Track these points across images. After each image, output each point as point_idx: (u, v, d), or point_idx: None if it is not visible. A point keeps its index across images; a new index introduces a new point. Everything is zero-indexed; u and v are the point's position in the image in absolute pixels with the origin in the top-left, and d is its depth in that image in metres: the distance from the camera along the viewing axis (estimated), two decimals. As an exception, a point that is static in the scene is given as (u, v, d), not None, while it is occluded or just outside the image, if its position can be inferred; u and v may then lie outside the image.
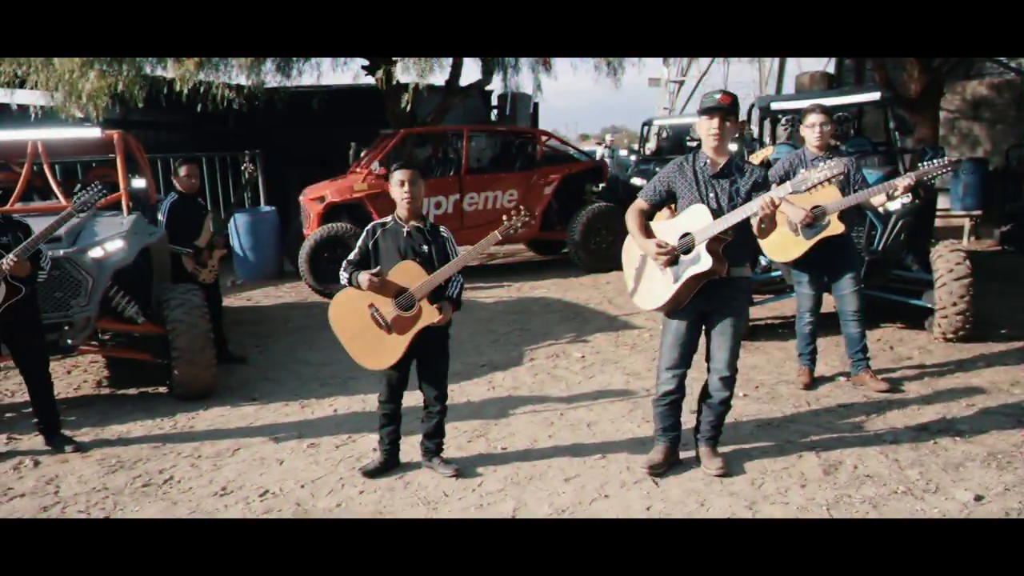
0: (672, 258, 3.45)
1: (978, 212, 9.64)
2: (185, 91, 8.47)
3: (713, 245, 3.39)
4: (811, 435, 4.09)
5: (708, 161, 3.49)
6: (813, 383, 4.92)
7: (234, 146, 10.81)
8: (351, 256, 3.67)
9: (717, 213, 3.40)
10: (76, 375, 5.76)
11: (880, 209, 5.23)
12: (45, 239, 4.03)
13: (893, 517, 3.19)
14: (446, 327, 3.73)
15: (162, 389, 5.24)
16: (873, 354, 5.21)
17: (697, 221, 3.43)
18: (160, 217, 5.84)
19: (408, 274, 3.56)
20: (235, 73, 8.89)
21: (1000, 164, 9.97)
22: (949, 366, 5.12)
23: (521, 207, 3.98)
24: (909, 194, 5.23)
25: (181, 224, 5.79)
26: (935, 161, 4.43)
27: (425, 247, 3.64)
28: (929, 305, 5.61)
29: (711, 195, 3.45)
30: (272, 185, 11.40)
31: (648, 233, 3.55)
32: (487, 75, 12.21)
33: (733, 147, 11.45)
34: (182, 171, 5.83)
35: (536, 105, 13.96)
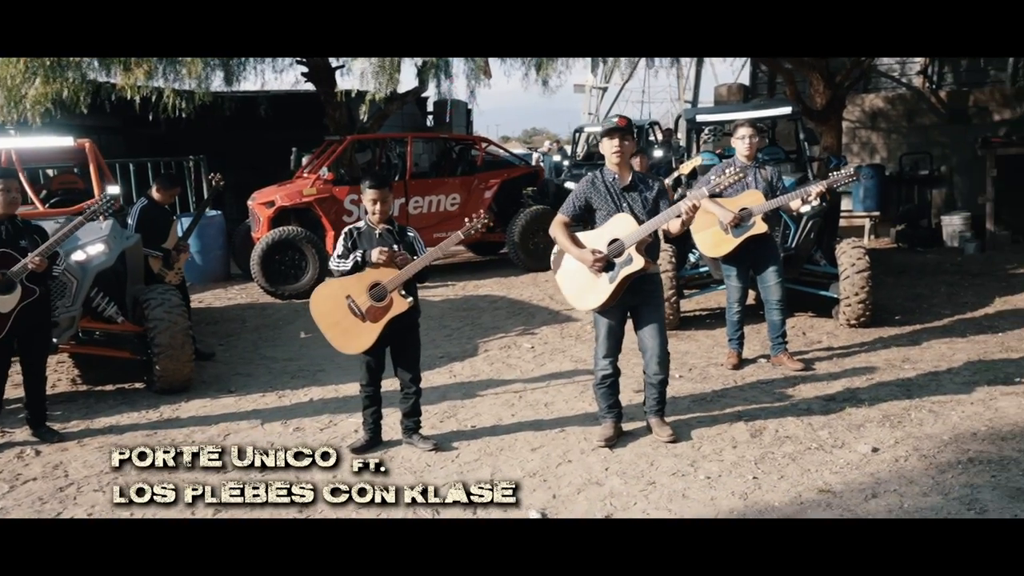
0: (606, 263, 4.03)
1: (876, 213, 10.66)
2: (137, 99, 8.63)
3: (639, 247, 4.00)
4: (739, 407, 4.74)
5: (616, 176, 4.10)
6: (740, 364, 5.59)
7: (167, 151, 10.95)
8: (339, 252, 4.14)
9: (636, 220, 4.01)
10: (48, 374, 5.95)
11: (793, 212, 5.96)
12: (62, 242, 4.35)
13: (809, 468, 3.84)
14: (416, 317, 4.22)
15: (139, 384, 5.52)
16: (789, 338, 5.93)
17: (624, 228, 4.02)
18: (130, 221, 6.10)
19: (381, 270, 4.05)
20: (182, 79, 9.06)
21: (895, 170, 11.03)
22: (853, 348, 5.88)
23: (482, 211, 4.48)
24: (819, 198, 6.01)
25: (150, 228, 6.08)
26: (842, 171, 5.16)
27: (395, 246, 4.13)
28: (835, 296, 6.38)
29: (624, 205, 4.06)
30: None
31: (578, 243, 4.11)
32: (423, 82, 12.67)
33: (659, 153, 12.22)
34: (165, 194, 6.20)
35: (470, 111, 14.50)
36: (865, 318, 6.25)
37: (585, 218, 4.20)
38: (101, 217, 4.67)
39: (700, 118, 7.39)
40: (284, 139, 11.89)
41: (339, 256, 4.14)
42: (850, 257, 6.20)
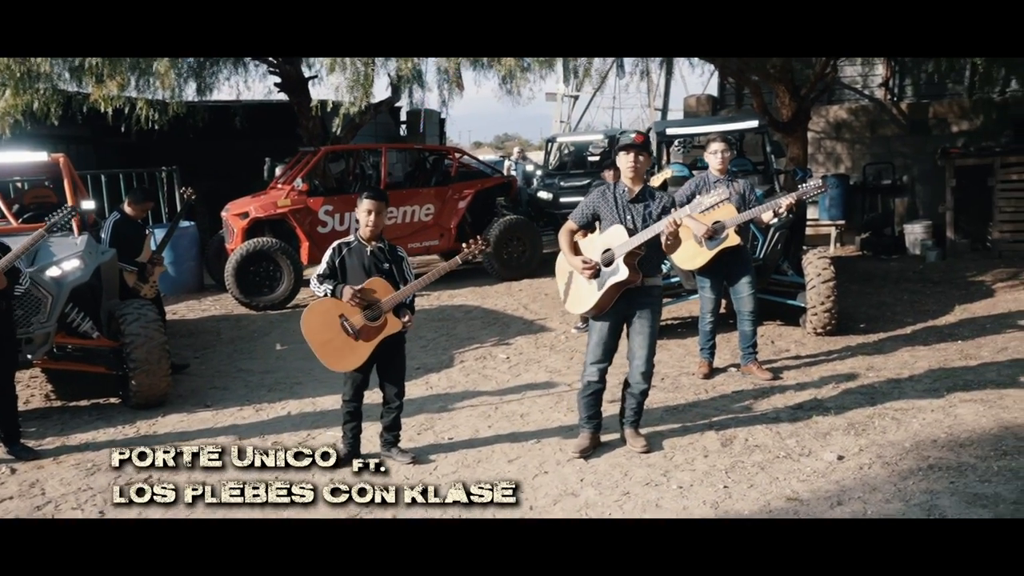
0: (596, 270, 4.14)
1: (842, 222, 10.92)
2: (110, 111, 8.59)
3: (629, 259, 4.10)
4: (710, 416, 4.86)
5: (627, 189, 4.21)
6: (711, 374, 5.72)
7: (138, 161, 10.88)
8: (321, 270, 4.16)
9: (633, 232, 4.12)
10: (21, 390, 5.90)
11: (763, 224, 6.12)
12: (21, 256, 4.33)
13: (777, 477, 3.97)
14: (403, 333, 4.28)
15: (114, 400, 5.52)
16: (759, 348, 6.08)
17: (616, 239, 4.14)
18: (103, 235, 6.09)
19: (379, 288, 4.09)
20: (156, 91, 9.04)
21: (859, 179, 11.31)
22: (819, 356, 6.05)
23: (479, 238, 4.47)
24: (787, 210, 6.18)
25: (124, 242, 6.08)
26: (811, 183, 5.31)
27: (387, 265, 4.18)
28: (802, 305, 6.55)
29: (628, 217, 4.17)
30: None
31: (576, 251, 4.25)
32: (396, 92, 12.72)
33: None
34: (137, 208, 6.20)
35: (443, 121, 14.56)
36: (831, 327, 6.43)
37: (594, 226, 4.35)
38: (67, 229, 4.64)
39: (671, 131, 7.55)
40: (257, 149, 11.86)
41: (321, 274, 4.16)
42: (816, 267, 6.38)
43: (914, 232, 10.32)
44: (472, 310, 8.38)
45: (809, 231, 10.99)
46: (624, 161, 4.21)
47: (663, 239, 4.08)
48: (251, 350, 7.00)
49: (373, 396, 4.51)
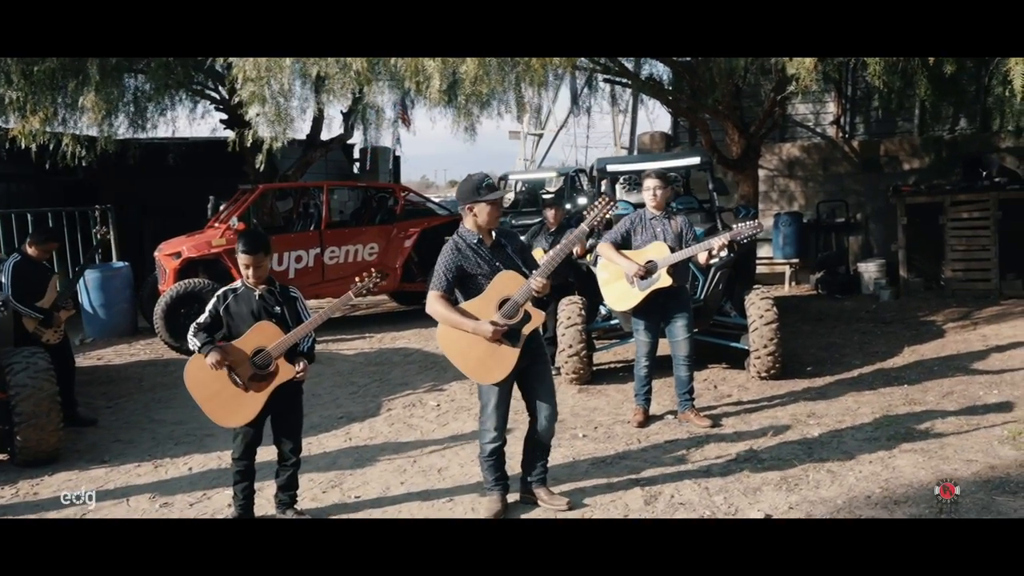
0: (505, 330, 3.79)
1: (796, 260, 10.77)
2: (33, 148, 8.23)
3: (531, 300, 3.80)
4: (640, 470, 4.55)
5: (480, 239, 3.87)
6: (647, 421, 5.42)
7: (85, 199, 10.47)
8: (201, 319, 3.83)
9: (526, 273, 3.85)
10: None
11: (701, 264, 5.88)
12: None
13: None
14: (300, 382, 3.94)
15: (2, 456, 5.10)
16: (699, 392, 5.81)
17: (512, 285, 3.80)
18: (2, 279, 5.71)
19: (264, 334, 3.77)
20: (84, 126, 8.69)
21: (812, 217, 11.20)
22: (761, 402, 5.78)
23: (372, 270, 4.21)
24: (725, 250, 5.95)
25: (25, 285, 5.69)
26: (745, 224, 5.09)
27: (277, 308, 3.86)
28: (746, 347, 6.30)
29: (498, 263, 3.84)
30: (128, 238, 11.08)
31: (463, 315, 3.80)
32: (349, 129, 12.51)
33: (582, 200, 12.12)
34: (40, 249, 5.84)
35: (398, 159, 14.34)
36: (775, 370, 6.17)
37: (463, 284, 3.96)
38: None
39: (611, 167, 7.34)
40: (209, 187, 11.55)
41: (200, 323, 3.84)
42: (758, 308, 6.14)
43: (868, 271, 10.18)
44: (412, 353, 8.05)
45: (763, 269, 10.87)
46: (490, 213, 3.83)
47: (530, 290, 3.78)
48: (169, 398, 6.60)
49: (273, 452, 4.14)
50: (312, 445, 5.33)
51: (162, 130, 10.36)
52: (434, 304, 3.84)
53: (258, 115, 6.71)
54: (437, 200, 12.05)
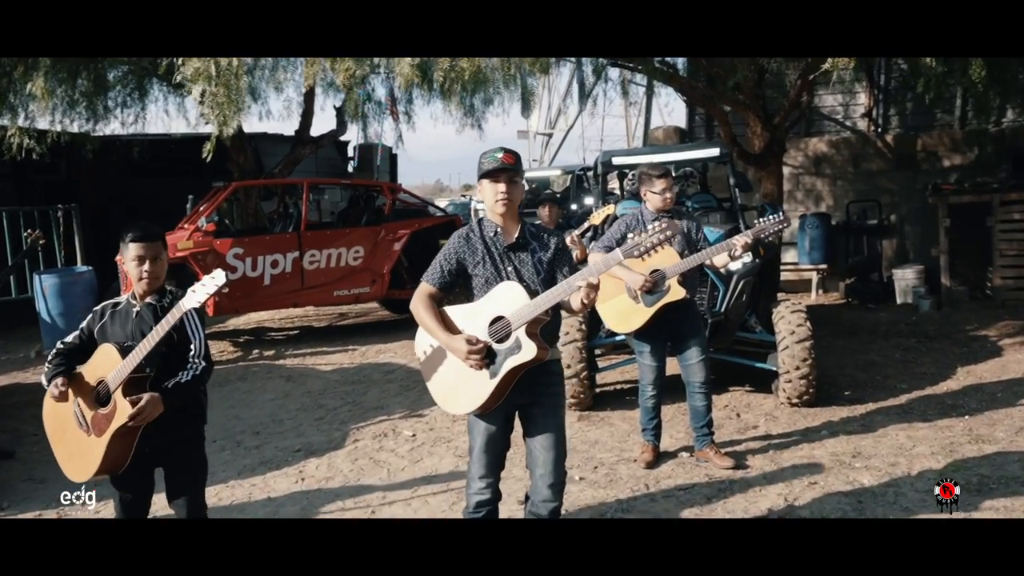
0: (487, 351, 2.89)
1: (824, 266, 9.80)
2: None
3: (532, 328, 2.89)
4: (646, 528, 3.65)
5: (499, 230, 3.01)
6: (656, 460, 4.53)
7: (68, 198, 9.69)
8: (69, 338, 2.97)
9: (533, 291, 2.91)
10: None
11: (722, 270, 4.97)
12: None
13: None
14: (192, 425, 3.03)
15: None
16: (719, 423, 4.92)
17: (507, 302, 2.92)
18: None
19: (108, 359, 2.84)
20: (35, 114, 7.87)
21: (842, 219, 10.25)
22: (794, 436, 4.85)
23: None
24: (749, 253, 5.02)
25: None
26: (770, 219, 4.19)
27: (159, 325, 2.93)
28: (774, 368, 5.38)
29: (510, 269, 2.97)
30: (111, 239, 10.29)
31: (447, 326, 2.95)
32: (342, 125, 11.69)
33: (590, 201, 11.24)
34: None
35: (395, 156, 13.51)
36: (808, 396, 5.25)
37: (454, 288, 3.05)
38: None
39: (617, 161, 6.42)
40: (197, 186, 10.80)
41: (64, 343, 2.97)
42: (789, 324, 5.21)
43: (905, 278, 9.20)
44: (394, 370, 7.17)
45: (789, 276, 9.91)
46: (489, 191, 2.96)
47: (576, 302, 2.87)
48: (109, 424, 5.75)
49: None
50: (256, 488, 4.48)
51: (115, 122, 9.49)
52: (417, 299, 2.97)
53: (203, 95, 5.83)
54: (443, 205, 11.22)
